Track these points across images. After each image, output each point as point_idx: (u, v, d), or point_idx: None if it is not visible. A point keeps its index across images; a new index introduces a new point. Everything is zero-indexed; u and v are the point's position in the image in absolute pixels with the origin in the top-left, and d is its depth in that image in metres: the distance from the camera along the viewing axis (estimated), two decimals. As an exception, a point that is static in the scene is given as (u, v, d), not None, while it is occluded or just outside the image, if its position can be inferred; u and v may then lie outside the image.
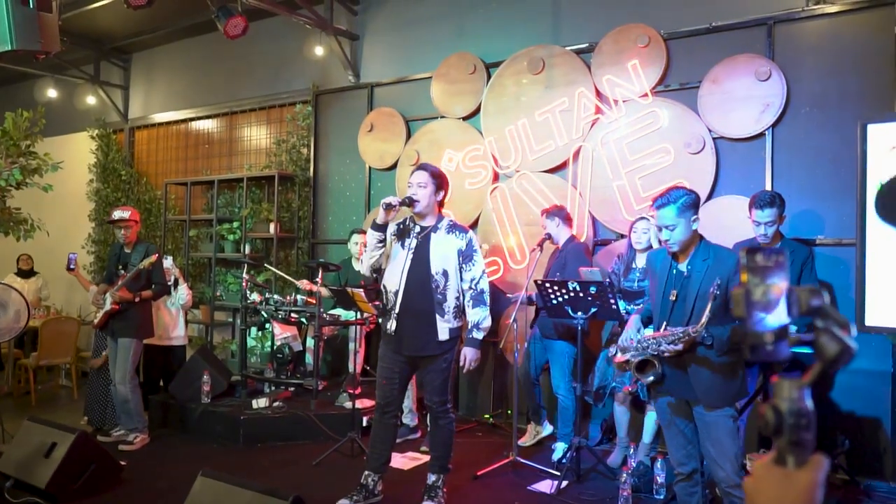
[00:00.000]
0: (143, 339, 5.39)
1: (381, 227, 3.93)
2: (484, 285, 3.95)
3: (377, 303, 4.38)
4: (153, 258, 5.11)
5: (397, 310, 3.90)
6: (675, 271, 3.11)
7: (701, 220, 3.15)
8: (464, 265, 3.94)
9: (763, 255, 0.88)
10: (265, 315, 6.17)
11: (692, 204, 3.06)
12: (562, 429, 5.06)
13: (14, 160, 5.52)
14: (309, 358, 6.28)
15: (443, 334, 3.90)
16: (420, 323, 3.90)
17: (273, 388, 6.08)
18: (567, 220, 5.16)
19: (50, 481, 4.01)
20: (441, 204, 4.04)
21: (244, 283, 5.95)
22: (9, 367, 7.79)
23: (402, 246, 3.98)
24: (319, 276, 5.48)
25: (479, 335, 3.94)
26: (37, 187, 5.69)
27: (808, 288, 0.85)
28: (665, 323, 3.07)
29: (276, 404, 5.63)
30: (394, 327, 3.91)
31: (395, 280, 3.94)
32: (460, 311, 3.98)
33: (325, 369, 6.55)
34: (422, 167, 4.01)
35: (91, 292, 5.89)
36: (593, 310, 4.34)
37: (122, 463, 4.60)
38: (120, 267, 5.26)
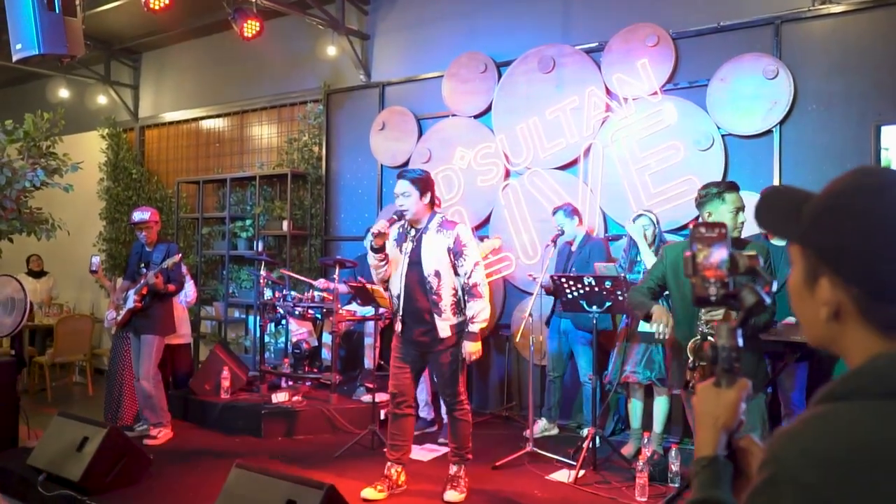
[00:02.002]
0: (165, 336, 5.50)
1: (378, 250, 4.02)
2: (477, 278, 4.02)
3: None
4: (177, 258, 5.21)
5: (400, 312, 4.07)
6: None
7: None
8: (456, 261, 4.02)
9: (706, 227, 1.11)
10: (282, 311, 6.28)
11: None
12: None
13: (35, 161, 5.61)
14: (325, 353, 6.39)
15: (443, 332, 4.01)
16: (421, 323, 4.05)
17: (291, 382, 6.20)
18: (581, 216, 5.30)
19: (83, 474, 4.12)
20: (432, 203, 4.11)
21: (261, 281, 6.05)
22: (24, 364, 7.90)
23: (402, 251, 4.10)
24: (336, 272, 5.60)
25: (475, 328, 4.01)
26: (57, 188, 5.79)
27: (747, 254, 1.09)
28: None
29: (295, 398, 5.75)
30: (400, 328, 4.10)
31: (396, 284, 4.09)
32: (459, 307, 4.05)
33: (339, 364, 6.67)
34: (401, 176, 4.08)
35: (112, 288, 5.99)
36: (608, 304, 4.47)
37: (150, 456, 4.71)
38: (142, 265, 5.37)
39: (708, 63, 5.40)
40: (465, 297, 4.03)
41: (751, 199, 4.74)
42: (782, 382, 4.41)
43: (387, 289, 4.24)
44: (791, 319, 4.28)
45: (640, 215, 4.93)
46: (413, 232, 4.08)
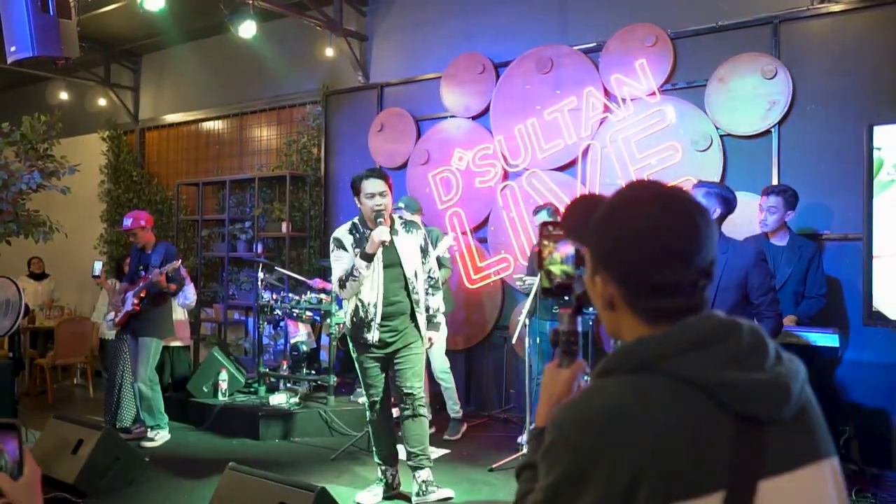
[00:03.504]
0: (163, 339, 5.49)
1: (371, 258, 3.85)
2: (437, 273, 4.21)
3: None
4: (176, 264, 5.18)
5: (378, 319, 3.92)
6: None
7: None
8: (424, 258, 4.09)
9: (553, 226, 1.22)
10: (280, 313, 6.27)
11: None
12: None
13: (32, 163, 5.61)
14: (323, 355, 6.38)
15: (423, 329, 4.08)
16: (401, 324, 3.99)
17: (289, 384, 6.19)
18: None
19: (78, 477, 4.11)
20: None
21: (260, 283, 6.04)
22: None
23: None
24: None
25: (441, 318, 4.22)
26: (55, 190, 5.79)
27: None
28: None
29: (292, 400, 5.73)
30: (376, 337, 3.93)
31: (371, 292, 3.92)
32: (424, 302, 4.16)
33: (337, 366, 6.64)
34: (379, 175, 3.94)
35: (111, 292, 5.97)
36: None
37: (146, 459, 4.71)
38: (141, 268, 5.36)
39: (706, 63, 5.36)
40: (430, 291, 4.16)
41: (749, 199, 4.74)
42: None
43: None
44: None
45: None
46: None
